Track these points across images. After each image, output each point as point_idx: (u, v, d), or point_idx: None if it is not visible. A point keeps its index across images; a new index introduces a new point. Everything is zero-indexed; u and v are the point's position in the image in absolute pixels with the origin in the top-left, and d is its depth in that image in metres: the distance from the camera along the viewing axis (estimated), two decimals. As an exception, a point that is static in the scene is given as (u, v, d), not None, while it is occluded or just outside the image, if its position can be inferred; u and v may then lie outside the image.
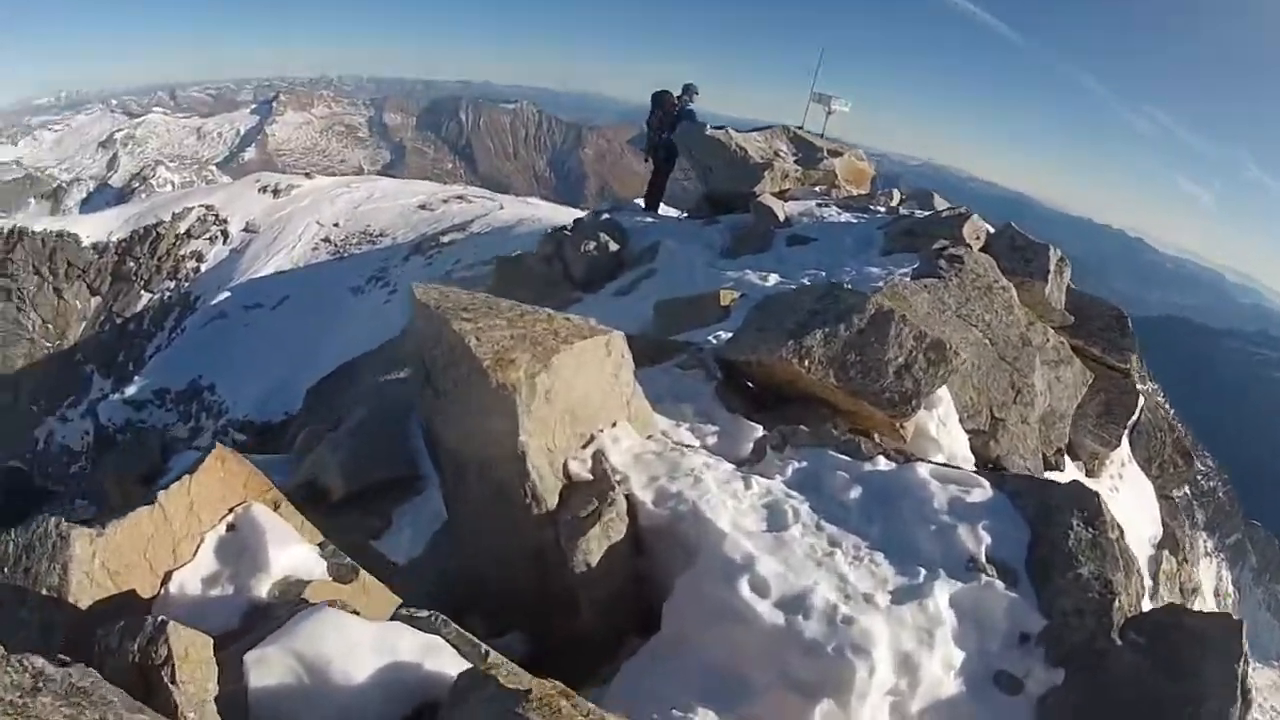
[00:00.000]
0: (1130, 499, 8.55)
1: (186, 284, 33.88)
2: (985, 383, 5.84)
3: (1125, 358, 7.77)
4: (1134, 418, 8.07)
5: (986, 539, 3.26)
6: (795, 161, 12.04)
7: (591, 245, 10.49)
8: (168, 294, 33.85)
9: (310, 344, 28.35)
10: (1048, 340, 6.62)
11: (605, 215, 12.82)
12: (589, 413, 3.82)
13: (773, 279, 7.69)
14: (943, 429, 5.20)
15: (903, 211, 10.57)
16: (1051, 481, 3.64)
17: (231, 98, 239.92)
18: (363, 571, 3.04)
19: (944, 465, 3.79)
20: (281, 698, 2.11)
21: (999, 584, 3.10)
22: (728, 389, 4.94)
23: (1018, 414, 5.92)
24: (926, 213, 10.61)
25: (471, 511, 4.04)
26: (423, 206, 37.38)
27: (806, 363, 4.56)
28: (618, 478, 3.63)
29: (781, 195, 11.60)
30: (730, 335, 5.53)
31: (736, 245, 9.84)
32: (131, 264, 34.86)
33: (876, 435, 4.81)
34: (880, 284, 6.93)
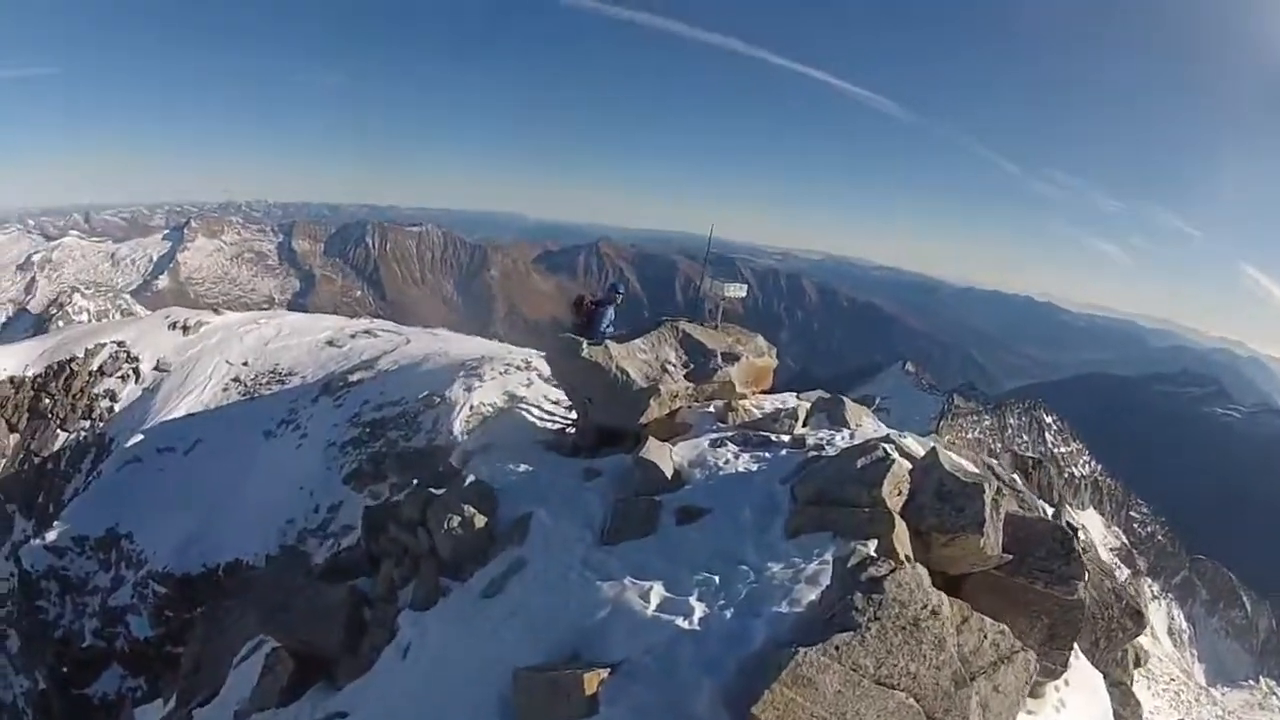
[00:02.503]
0: (1076, 713, 7.63)
1: (101, 424, 33.90)
2: (908, 764, 4.61)
3: (1072, 588, 6.97)
4: (1078, 633, 7.26)
5: None
6: (686, 375, 10.66)
7: (456, 521, 9.21)
8: (83, 434, 33.81)
9: (225, 491, 28.84)
10: (985, 639, 5.58)
11: (473, 454, 11.32)
12: None
13: (655, 596, 6.83)
14: None
15: (809, 442, 9.25)
16: None
17: (144, 222, 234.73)
18: None
19: None
20: None
21: None
22: None
23: (948, 789, 4.58)
24: (837, 437, 9.40)
25: None
26: (330, 343, 37.00)
27: None
28: None
29: (672, 418, 10.22)
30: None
31: (618, 526, 8.41)
32: (47, 400, 35.00)
33: None
34: (784, 607, 6.16)
